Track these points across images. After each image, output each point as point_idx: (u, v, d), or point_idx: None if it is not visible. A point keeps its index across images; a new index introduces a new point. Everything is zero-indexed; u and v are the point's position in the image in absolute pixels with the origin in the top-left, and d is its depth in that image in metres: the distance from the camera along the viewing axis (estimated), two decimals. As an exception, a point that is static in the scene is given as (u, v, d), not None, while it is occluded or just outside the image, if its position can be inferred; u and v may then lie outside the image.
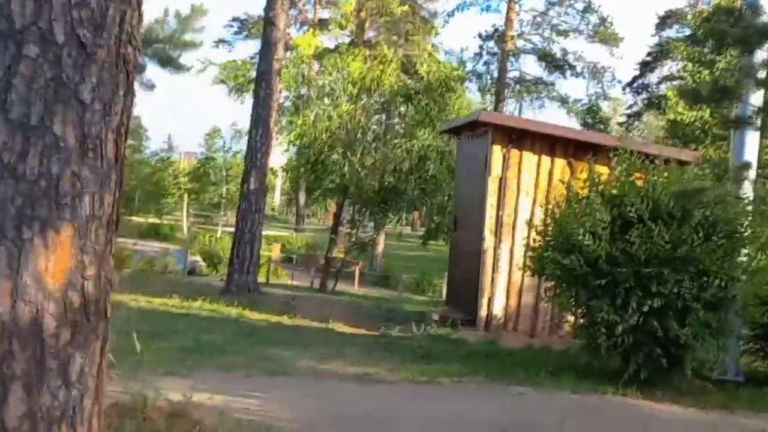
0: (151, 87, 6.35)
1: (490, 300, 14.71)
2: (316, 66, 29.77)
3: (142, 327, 14.30)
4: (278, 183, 69.37)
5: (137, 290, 19.72)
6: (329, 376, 10.21)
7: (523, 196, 14.81)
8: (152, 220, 44.39)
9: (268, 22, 19.86)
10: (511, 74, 47.28)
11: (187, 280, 23.04)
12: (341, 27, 39.15)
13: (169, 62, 6.19)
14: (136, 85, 3.80)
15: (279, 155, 34.39)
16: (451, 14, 46.25)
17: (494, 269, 14.57)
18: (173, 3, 9.69)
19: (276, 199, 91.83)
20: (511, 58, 46.73)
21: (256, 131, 19.77)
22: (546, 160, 15.05)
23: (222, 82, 35.75)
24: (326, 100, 24.71)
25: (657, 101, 39.52)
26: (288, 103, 28.53)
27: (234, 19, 43.64)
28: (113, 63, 3.19)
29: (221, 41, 41.39)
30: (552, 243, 10.44)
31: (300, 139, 24.06)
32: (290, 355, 12.53)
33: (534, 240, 11.10)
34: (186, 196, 47.43)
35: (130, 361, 5.96)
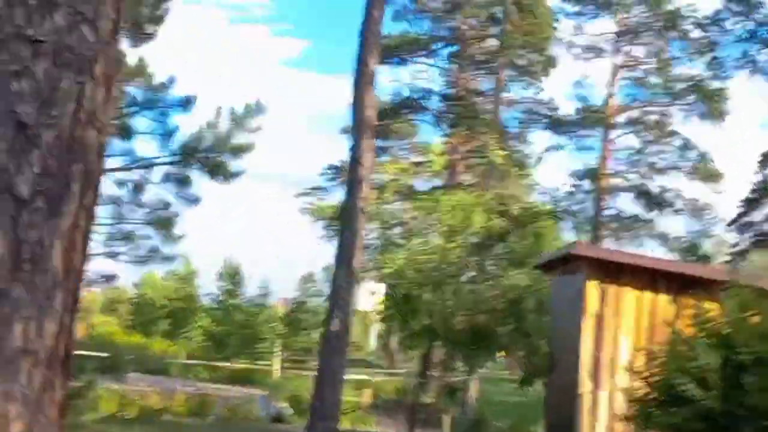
0: (194, 201, 5.79)
1: (589, 451, 13.29)
2: (404, 205, 29.39)
3: None
4: (374, 327, 68.61)
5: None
6: None
7: (622, 335, 13.58)
8: (244, 365, 43.89)
9: (353, 160, 19.62)
10: (607, 212, 46.15)
11: (271, 427, 22.13)
12: (433, 169, 39.08)
13: (216, 171, 5.65)
14: (181, 200, 3.05)
15: (370, 297, 33.89)
16: (543, 155, 45.92)
17: (593, 416, 13.22)
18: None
19: (372, 342, 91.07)
20: (607, 196, 45.72)
21: (339, 271, 19.19)
22: (647, 296, 13.89)
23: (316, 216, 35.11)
24: (415, 240, 24.19)
25: (764, 240, 37.64)
26: (376, 242, 28.02)
27: (330, 167, 43.98)
28: (64, 148, 2.48)
29: (316, 188, 41.79)
30: (656, 392, 9.18)
31: (388, 279, 23.41)
32: None
33: (636, 388, 9.85)
34: (279, 341, 46.98)
35: None
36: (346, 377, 36.66)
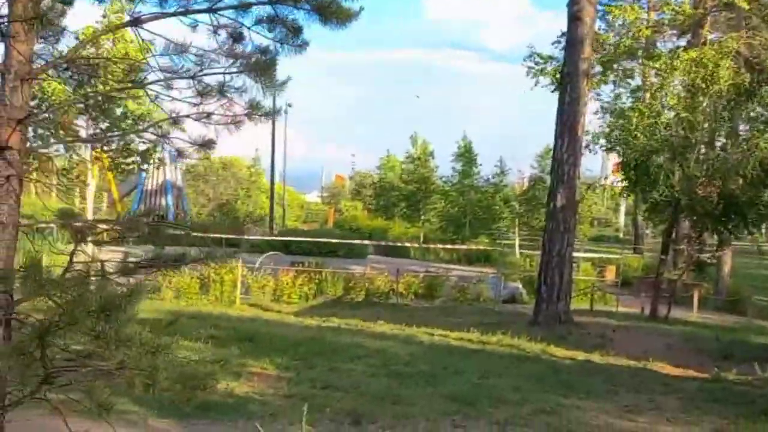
0: (299, 47, 4.59)
1: None
2: (638, 65, 26.46)
3: (421, 367, 12.77)
4: (623, 202, 65.52)
5: (439, 322, 18.28)
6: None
7: None
8: (481, 246, 43.25)
9: (572, 17, 17.58)
10: None
11: (498, 310, 21.17)
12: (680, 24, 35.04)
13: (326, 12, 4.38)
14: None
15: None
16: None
17: None
18: None
19: (620, 218, 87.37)
20: None
21: (561, 141, 17.48)
22: None
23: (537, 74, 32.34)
24: (652, 102, 21.64)
25: None
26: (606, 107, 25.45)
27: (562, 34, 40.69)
28: None
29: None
30: None
31: (621, 147, 21.18)
32: (585, 407, 10.12)
33: None
34: (517, 220, 45.79)
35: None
36: (588, 255, 35.09)
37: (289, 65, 4.85)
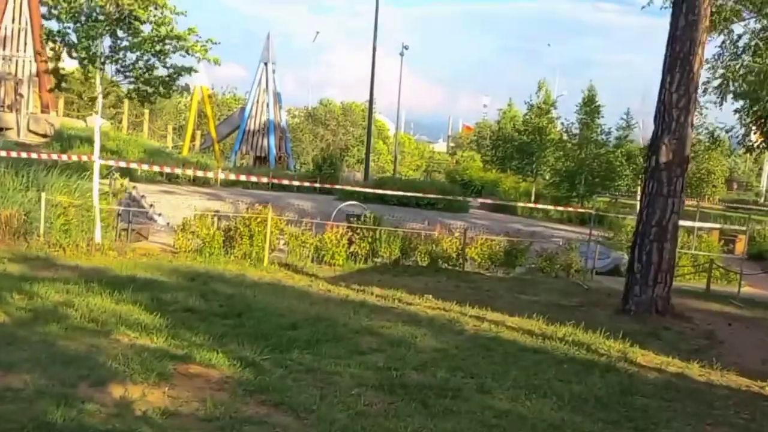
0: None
1: None
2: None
3: (437, 375, 9.35)
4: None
5: (504, 300, 14.71)
6: None
7: None
8: (596, 206, 38.93)
9: None
10: None
11: (588, 286, 17.36)
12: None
13: None
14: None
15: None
16: None
17: None
18: None
19: (763, 182, 79.85)
20: None
21: (670, 77, 13.39)
22: None
23: None
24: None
25: None
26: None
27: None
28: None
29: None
30: None
31: (748, 93, 16.80)
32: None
33: None
34: (640, 178, 41.14)
35: None
36: (707, 225, 30.11)
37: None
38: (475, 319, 12.34)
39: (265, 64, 51.20)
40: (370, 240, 17.91)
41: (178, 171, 24.78)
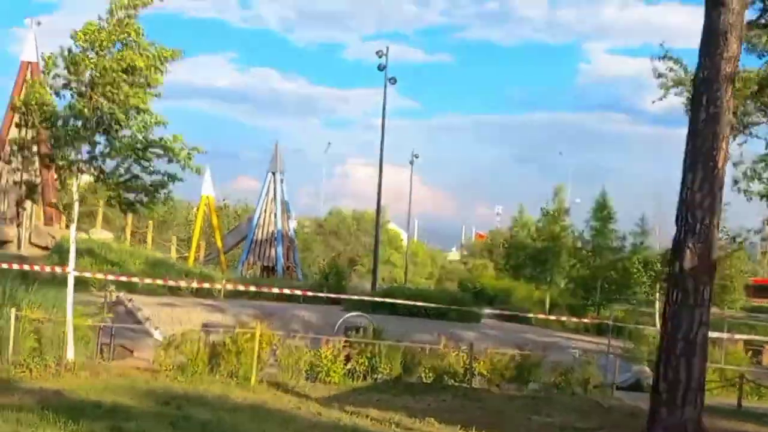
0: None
1: None
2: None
3: None
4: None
5: (515, 424, 13.24)
6: None
7: None
8: (617, 312, 37.39)
9: (712, 2, 12.55)
10: None
11: (608, 404, 15.82)
12: None
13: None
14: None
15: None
16: None
17: None
18: None
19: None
20: None
21: (692, 175, 12.26)
22: None
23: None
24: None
25: None
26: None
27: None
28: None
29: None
30: None
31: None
32: None
33: None
34: (658, 285, 39.65)
35: None
36: (737, 336, 28.43)
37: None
38: (483, 449, 10.89)
39: (273, 173, 50.71)
40: (369, 355, 16.52)
41: (171, 283, 23.51)
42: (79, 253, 37.45)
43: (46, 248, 38.22)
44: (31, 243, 39.15)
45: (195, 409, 11.78)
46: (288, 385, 15.20)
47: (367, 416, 12.54)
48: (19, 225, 39.11)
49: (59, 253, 35.61)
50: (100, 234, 46.52)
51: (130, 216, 53.81)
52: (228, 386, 14.42)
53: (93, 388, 12.76)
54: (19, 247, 38.40)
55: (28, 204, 39.81)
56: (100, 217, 49.45)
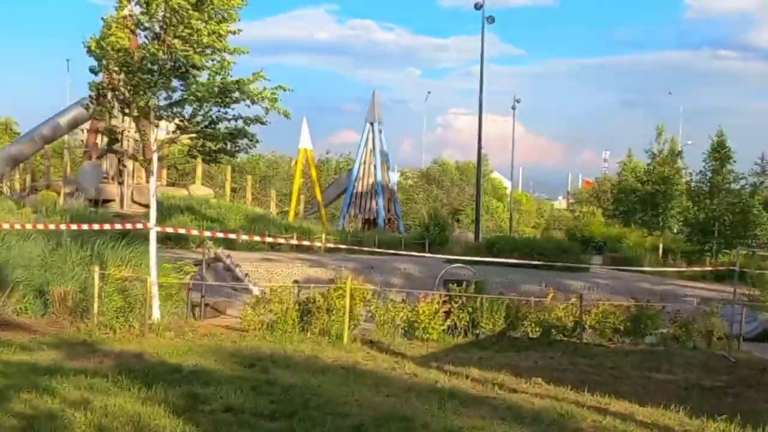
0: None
1: None
2: None
3: None
4: None
5: (632, 382, 11.98)
6: None
7: None
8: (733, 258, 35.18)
9: None
10: None
11: (735, 358, 14.32)
12: None
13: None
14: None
15: None
16: None
17: None
18: None
19: None
20: None
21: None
22: None
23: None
24: None
25: None
26: None
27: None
28: None
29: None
30: None
31: None
32: None
33: None
34: (780, 228, 37.27)
35: None
36: None
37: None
38: (595, 412, 9.67)
39: (371, 123, 49.86)
40: (470, 309, 15.44)
41: (269, 239, 22.82)
42: (179, 210, 37.67)
43: (147, 206, 38.58)
44: (133, 201, 39.58)
45: (281, 371, 10.98)
46: (383, 343, 14.30)
47: (467, 377, 11.50)
48: (120, 183, 39.51)
49: (161, 210, 35.83)
50: (200, 190, 46.82)
51: (229, 171, 54.05)
52: (319, 345, 13.61)
53: (176, 350, 12.12)
54: (121, 205, 38.85)
55: (129, 162, 40.15)
56: (199, 173, 49.74)
